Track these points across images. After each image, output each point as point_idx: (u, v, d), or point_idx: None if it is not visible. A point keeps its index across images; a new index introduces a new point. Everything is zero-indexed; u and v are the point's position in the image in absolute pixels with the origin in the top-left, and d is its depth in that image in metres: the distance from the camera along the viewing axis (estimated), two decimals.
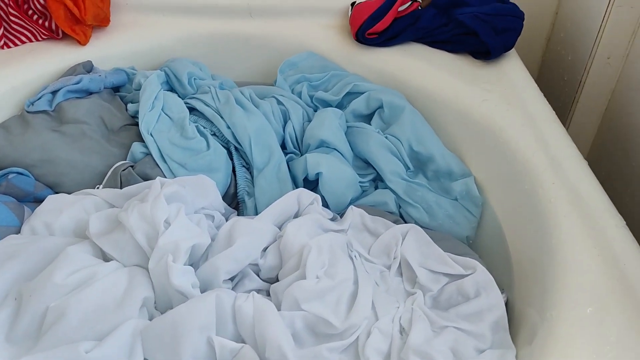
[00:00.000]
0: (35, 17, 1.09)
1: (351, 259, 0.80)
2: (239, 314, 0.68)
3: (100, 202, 0.82)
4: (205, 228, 0.79)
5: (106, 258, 0.75)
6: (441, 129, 1.02)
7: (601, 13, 1.12)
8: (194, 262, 0.77)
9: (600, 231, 0.74)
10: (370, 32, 1.11)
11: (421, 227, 0.87)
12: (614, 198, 0.81)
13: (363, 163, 1.00)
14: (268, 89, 1.07)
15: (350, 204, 0.92)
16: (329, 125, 0.98)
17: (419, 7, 1.13)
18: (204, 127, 0.98)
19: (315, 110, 1.06)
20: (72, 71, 1.03)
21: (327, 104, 1.07)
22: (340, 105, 1.07)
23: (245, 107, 1.00)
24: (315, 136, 0.97)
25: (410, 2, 1.12)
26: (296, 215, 0.86)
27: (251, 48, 1.17)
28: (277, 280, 0.78)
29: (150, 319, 0.69)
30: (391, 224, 0.86)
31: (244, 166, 0.97)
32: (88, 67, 1.04)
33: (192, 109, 1.02)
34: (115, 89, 1.06)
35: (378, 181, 0.99)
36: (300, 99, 1.07)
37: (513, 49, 1.11)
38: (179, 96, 1.04)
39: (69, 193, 0.87)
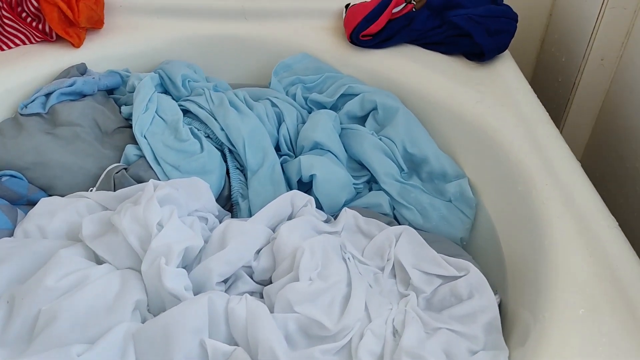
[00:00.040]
0: (28, 19, 1.09)
1: (344, 260, 0.80)
2: (232, 317, 0.68)
3: (93, 204, 0.82)
4: (198, 230, 0.79)
5: (99, 261, 0.75)
6: (435, 130, 1.02)
7: (594, 15, 1.12)
8: (187, 265, 0.77)
9: (592, 232, 0.74)
10: (364, 33, 1.11)
11: (415, 228, 0.87)
12: (608, 199, 0.81)
13: (357, 165, 1.00)
14: (262, 91, 1.07)
15: (344, 205, 0.92)
16: (322, 127, 0.98)
17: (413, 9, 1.13)
18: (198, 130, 0.98)
19: (310, 112, 1.06)
20: (66, 74, 1.02)
21: (321, 106, 1.07)
22: (335, 107, 1.07)
23: (239, 109, 1.00)
24: (309, 138, 0.97)
25: (404, 4, 1.12)
26: (290, 217, 0.86)
27: (245, 50, 1.17)
28: (270, 282, 0.78)
29: (143, 322, 0.69)
30: (385, 225, 0.86)
31: (237, 168, 0.97)
32: (82, 70, 1.04)
33: (186, 111, 1.02)
34: (109, 91, 1.06)
35: (372, 183, 0.99)
36: (295, 100, 1.07)
37: (507, 50, 1.11)
38: (173, 98, 1.04)
39: (62, 196, 0.86)
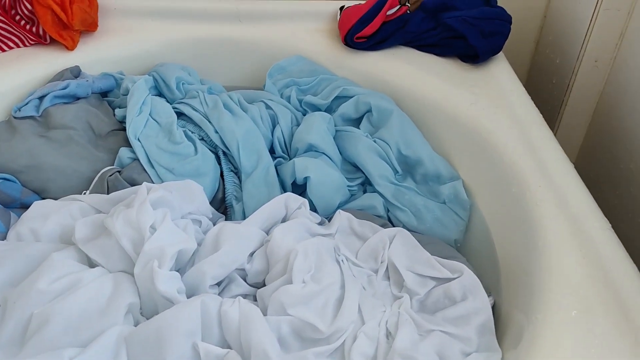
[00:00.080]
0: (22, 22, 1.09)
1: (338, 263, 0.80)
2: (225, 319, 0.68)
3: (86, 207, 0.82)
4: (191, 233, 0.78)
5: (92, 264, 0.75)
6: (429, 132, 1.02)
7: (588, 16, 1.12)
8: (181, 268, 0.77)
9: (586, 234, 0.74)
10: (358, 35, 1.11)
11: (409, 230, 0.87)
12: (602, 200, 0.81)
13: (352, 167, 1.00)
14: (257, 93, 1.07)
15: (338, 207, 0.92)
16: (317, 129, 0.98)
17: (408, 11, 1.13)
18: (192, 132, 0.98)
19: (305, 114, 1.06)
20: (60, 76, 1.02)
21: (316, 108, 1.07)
22: (329, 109, 1.07)
23: (233, 111, 0.99)
24: (304, 140, 0.97)
25: (398, 6, 1.12)
26: (284, 220, 0.86)
27: (240, 52, 1.17)
28: (264, 285, 0.78)
29: (136, 325, 0.69)
30: (379, 227, 0.86)
31: (232, 171, 0.97)
32: (76, 72, 1.04)
33: (180, 114, 1.01)
34: (104, 94, 1.06)
35: (367, 185, 0.99)
36: (289, 103, 1.07)
37: (501, 52, 1.11)
38: (168, 101, 1.04)
39: (56, 199, 0.86)
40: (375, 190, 0.95)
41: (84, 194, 0.88)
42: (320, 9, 1.19)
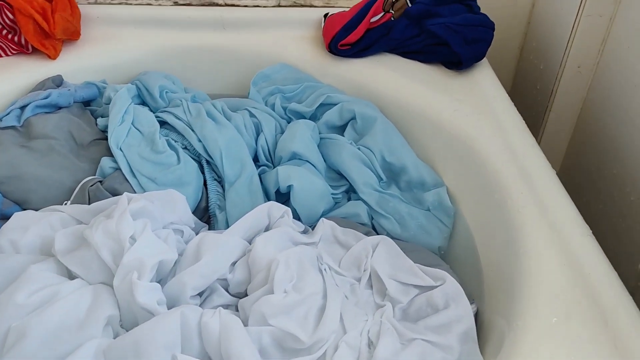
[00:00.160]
0: (4, 32, 1.08)
1: (321, 272, 0.79)
2: (205, 331, 0.67)
3: (67, 218, 0.81)
4: (173, 244, 0.78)
5: (72, 276, 0.74)
6: (414, 139, 1.02)
7: (571, 22, 1.13)
8: (162, 278, 0.77)
9: (566, 240, 0.74)
10: (343, 43, 1.11)
11: (393, 238, 0.87)
12: (586, 205, 0.81)
13: (336, 174, 1.00)
14: (241, 101, 1.07)
15: (322, 215, 0.92)
16: (300, 137, 0.98)
17: (392, 18, 1.13)
18: (175, 141, 0.98)
19: (289, 122, 1.06)
20: (41, 86, 1.02)
21: (300, 116, 1.06)
22: (314, 117, 1.07)
23: (216, 120, 0.99)
24: (287, 148, 0.97)
25: (382, 13, 1.13)
26: (267, 229, 0.85)
27: (224, 60, 1.17)
28: (246, 295, 0.77)
29: (116, 338, 0.68)
30: (362, 235, 0.86)
31: (215, 179, 0.96)
32: (57, 82, 1.03)
33: (163, 123, 1.01)
34: (86, 103, 1.06)
35: (351, 193, 0.98)
36: (274, 110, 1.07)
37: (485, 58, 1.12)
38: (151, 110, 1.04)
39: (37, 209, 0.85)
40: (359, 198, 0.95)
41: (65, 204, 0.87)
42: (304, 17, 1.20)
